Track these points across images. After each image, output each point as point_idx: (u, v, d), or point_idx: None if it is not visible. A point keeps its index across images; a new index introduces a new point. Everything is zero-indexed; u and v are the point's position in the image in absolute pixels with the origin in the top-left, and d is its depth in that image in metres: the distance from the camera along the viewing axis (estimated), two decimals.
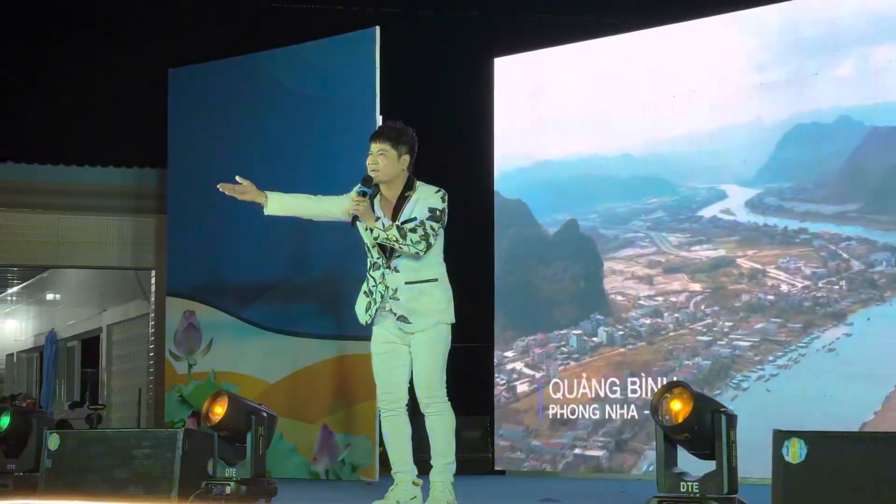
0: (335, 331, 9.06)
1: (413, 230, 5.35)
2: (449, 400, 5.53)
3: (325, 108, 9.37)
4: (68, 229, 12.34)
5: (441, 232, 5.48)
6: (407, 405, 5.62)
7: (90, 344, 18.29)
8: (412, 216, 5.42)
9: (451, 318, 5.59)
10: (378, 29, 9.05)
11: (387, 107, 9.05)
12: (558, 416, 9.31)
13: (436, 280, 5.52)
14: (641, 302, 9.03)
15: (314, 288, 9.26)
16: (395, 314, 5.47)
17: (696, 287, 8.78)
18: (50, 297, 19.36)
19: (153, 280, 12.33)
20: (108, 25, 14.44)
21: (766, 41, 8.66)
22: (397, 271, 5.47)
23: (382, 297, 5.49)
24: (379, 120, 9.01)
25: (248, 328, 9.60)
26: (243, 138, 9.91)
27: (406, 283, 5.46)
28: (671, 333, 8.82)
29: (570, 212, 9.60)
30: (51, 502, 5.95)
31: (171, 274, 10.38)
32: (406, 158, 5.52)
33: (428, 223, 5.38)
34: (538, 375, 9.50)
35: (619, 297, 9.17)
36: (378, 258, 5.51)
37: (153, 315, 12.26)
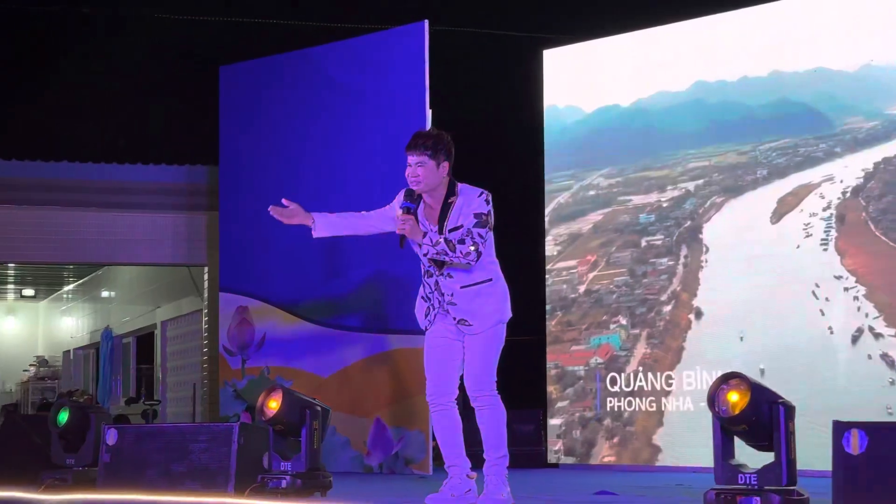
0: (388, 325, 9.08)
1: (462, 241, 5.32)
2: (499, 393, 5.52)
3: (375, 102, 9.39)
4: (122, 227, 12.45)
5: (489, 235, 5.46)
6: (457, 400, 5.61)
7: (145, 340, 18.46)
8: (458, 224, 5.39)
9: (509, 315, 5.57)
10: (427, 22, 9.06)
11: (436, 100, 9.05)
12: (614, 409, 9.27)
13: (490, 280, 5.50)
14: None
15: (367, 283, 9.28)
16: (455, 318, 5.46)
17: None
18: (105, 294, 19.57)
19: (206, 276, 12.42)
20: (160, 23, 14.53)
21: (823, 25, 8.56)
22: (451, 277, 5.46)
23: (440, 302, 5.49)
24: (429, 114, 9.02)
25: (301, 323, 9.64)
26: (293, 133, 9.95)
27: (461, 287, 5.45)
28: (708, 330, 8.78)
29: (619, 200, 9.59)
30: (109, 496, 6.00)
31: (224, 270, 10.44)
32: (445, 165, 5.47)
33: (475, 231, 5.34)
34: (592, 368, 9.46)
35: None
36: (430, 266, 5.51)
37: (206, 311, 12.35)
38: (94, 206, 12.32)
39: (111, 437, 6.29)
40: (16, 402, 20.92)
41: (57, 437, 6.71)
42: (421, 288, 5.62)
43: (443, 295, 5.48)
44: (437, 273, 5.48)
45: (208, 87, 10.74)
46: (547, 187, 9.98)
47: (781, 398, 4.67)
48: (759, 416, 4.60)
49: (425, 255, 5.43)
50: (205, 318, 12.50)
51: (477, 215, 5.38)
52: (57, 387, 20.36)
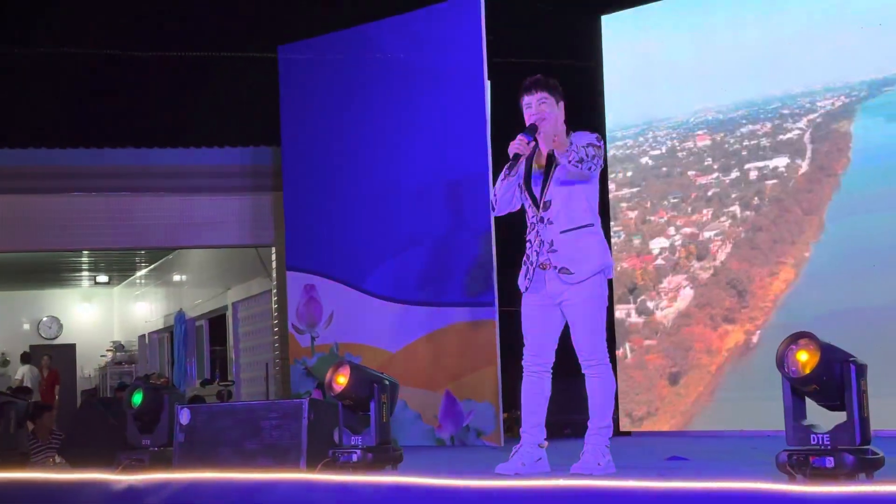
0: (453, 298, 9.10)
1: (587, 156, 5.21)
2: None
3: (433, 76, 9.40)
4: (190, 211, 12.61)
5: (599, 167, 5.36)
6: (552, 367, 5.56)
7: (217, 322, 18.67)
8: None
9: (611, 263, 5.51)
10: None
11: (494, 71, 9.01)
12: (681, 374, 9.22)
13: (592, 225, 5.43)
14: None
15: (431, 257, 9.30)
16: (556, 268, 5.36)
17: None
18: (177, 278, 19.81)
19: (273, 256, 12.54)
20: (218, 6, 14.65)
21: None
22: (551, 223, 5.40)
23: (538, 254, 5.41)
24: (488, 85, 8.99)
25: (367, 299, 9.70)
26: (354, 111, 9.99)
27: (561, 231, 5.38)
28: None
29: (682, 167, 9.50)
30: (185, 475, 6.08)
31: (290, 249, 10.53)
32: (562, 105, 5.49)
33: (592, 148, 5.26)
34: (659, 333, 9.42)
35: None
36: (533, 216, 5.46)
37: (275, 291, 12.46)
38: (162, 190, 12.49)
39: (184, 416, 6.37)
40: (95, 387, 21.30)
41: (132, 419, 6.80)
42: (525, 253, 5.54)
43: (542, 244, 5.41)
44: (538, 221, 5.42)
45: (271, 66, 10.81)
46: (610, 157, 9.92)
47: (853, 356, 4.60)
48: (829, 375, 4.53)
49: (570, 161, 5.21)
50: (274, 298, 12.62)
51: (591, 145, 5.28)
52: (134, 371, 20.68)
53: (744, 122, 9.21)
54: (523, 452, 5.47)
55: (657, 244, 9.61)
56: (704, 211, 9.36)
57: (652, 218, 9.70)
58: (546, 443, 5.52)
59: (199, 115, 15.86)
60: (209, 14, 15.00)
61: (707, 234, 9.29)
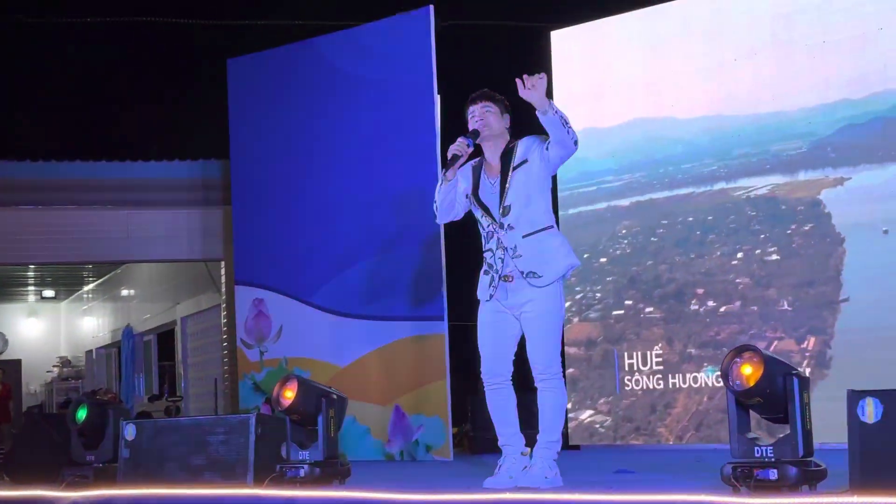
0: (403, 312, 9.09)
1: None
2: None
3: (383, 90, 9.39)
4: (138, 224, 12.50)
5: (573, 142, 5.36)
6: (512, 377, 5.55)
7: (166, 337, 18.53)
8: (524, 159, 5.40)
9: (577, 260, 5.55)
10: (432, 8, 9.03)
11: (444, 85, 9.03)
12: (634, 389, 9.24)
13: (552, 226, 5.47)
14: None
15: (380, 271, 9.28)
16: (522, 273, 5.36)
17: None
18: (125, 293, 19.64)
19: (223, 271, 12.45)
20: (169, 19, 14.55)
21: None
22: (512, 228, 5.40)
23: (502, 261, 5.41)
24: (437, 99, 9.01)
25: (316, 313, 9.65)
26: (304, 124, 9.96)
27: (524, 236, 5.40)
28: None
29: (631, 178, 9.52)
30: (130, 491, 6.02)
31: (239, 263, 10.47)
32: (507, 117, 5.54)
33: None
34: (612, 348, 9.42)
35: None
36: (489, 225, 5.46)
37: (224, 305, 12.38)
38: (110, 204, 12.36)
39: (129, 432, 6.32)
40: (40, 404, 21.03)
41: (77, 435, 6.74)
42: (483, 264, 5.55)
43: (506, 250, 5.41)
44: (497, 229, 5.43)
45: (220, 80, 10.75)
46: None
47: (795, 369, 4.65)
48: (773, 387, 4.56)
49: (554, 112, 5.19)
50: (223, 313, 12.53)
51: (543, 142, 5.37)
52: (81, 387, 20.45)
53: None
54: (508, 464, 5.46)
55: None
56: None
57: None
58: (528, 450, 5.50)
59: (147, 128, 15.78)
60: (159, 26, 14.90)
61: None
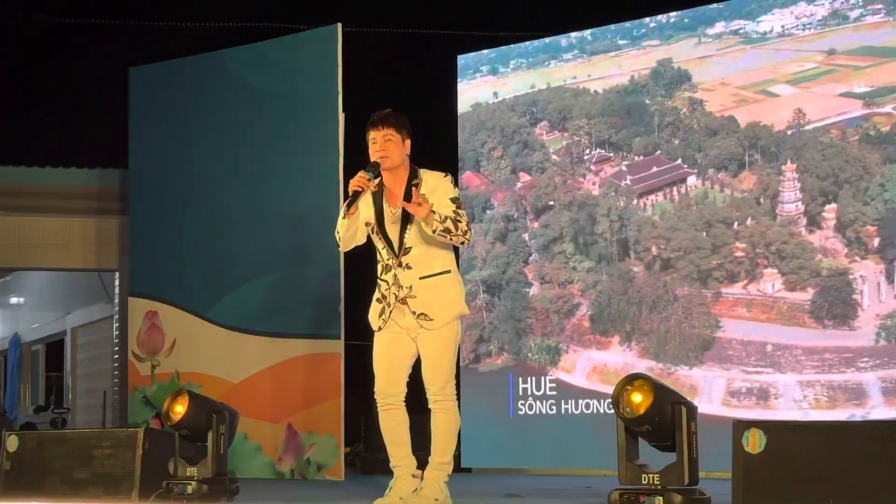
0: (299, 330, 9.05)
1: (456, 221, 5.26)
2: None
3: (288, 105, 9.34)
4: (30, 231, 12.23)
5: (468, 234, 5.39)
6: (406, 398, 5.53)
7: (55, 347, 18.17)
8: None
9: (466, 310, 5.58)
10: (340, 26, 9.03)
11: (349, 105, 9.04)
12: (527, 413, 9.31)
13: (449, 272, 5.44)
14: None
15: (278, 288, 9.22)
16: (415, 313, 5.36)
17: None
18: (14, 300, 19.17)
19: (117, 282, 12.26)
20: (68, 23, 14.33)
21: None
22: (409, 268, 5.39)
23: (396, 297, 5.38)
24: (341, 117, 9.01)
25: (211, 328, 9.55)
26: (206, 137, 9.86)
27: (420, 278, 5.38)
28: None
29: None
30: None
31: (134, 274, 10.32)
32: (408, 143, 5.46)
33: (459, 212, 5.31)
34: (506, 371, 9.49)
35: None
36: (389, 259, 5.42)
37: (117, 317, 12.19)
38: (3, 209, 12.09)
39: (11, 443, 6.19)
40: None
41: None
42: (376, 290, 5.52)
43: (401, 288, 5.38)
44: (395, 266, 5.41)
45: (119, 88, 10.62)
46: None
47: (684, 399, 4.74)
48: (661, 416, 4.64)
49: (434, 231, 5.22)
50: (116, 325, 12.34)
51: (453, 199, 5.34)
52: None
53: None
54: (399, 485, 5.44)
55: None
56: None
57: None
58: (419, 472, 5.49)
59: (43, 133, 15.49)
60: (62, 29, 14.67)
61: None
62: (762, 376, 8.19)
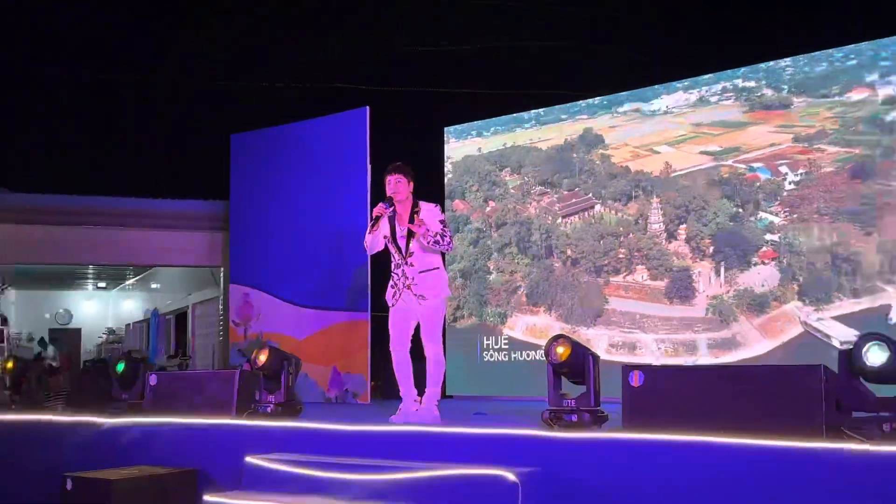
0: (340, 305, 9.03)
1: (443, 236, 5.30)
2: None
3: (333, 159, 9.32)
4: (166, 241, 12.16)
5: (451, 244, 5.41)
6: (410, 348, 5.51)
7: (181, 317, 18.03)
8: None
9: (449, 292, 5.56)
10: (368, 109, 9.01)
11: (372, 160, 9.00)
12: (489, 359, 9.26)
13: (438, 268, 5.44)
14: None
15: (327, 277, 9.20)
16: (414, 294, 5.36)
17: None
18: (154, 286, 19.09)
19: (222, 274, 12.19)
20: (173, 96, 14.18)
21: None
22: (412, 265, 5.37)
23: (404, 284, 5.37)
24: (368, 169, 8.99)
25: (283, 304, 9.53)
26: (280, 179, 9.84)
27: (419, 272, 5.37)
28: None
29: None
30: (150, 418, 5.86)
31: (233, 269, 10.28)
32: (412, 185, 5.47)
33: (445, 231, 5.34)
34: (474, 329, 9.40)
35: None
36: (398, 259, 5.41)
37: (222, 297, 12.13)
38: (149, 227, 12.03)
39: (152, 380, 6.16)
40: (94, 358, 20.29)
41: (116, 381, 6.55)
42: (390, 279, 5.49)
43: (406, 278, 5.36)
44: (403, 264, 5.38)
45: (224, 146, 10.57)
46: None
47: (591, 350, 4.72)
48: (576, 362, 4.64)
49: (427, 243, 5.25)
50: (220, 302, 12.27)
51: (441, 221, 5.36)
52: (121, 348, 19.78)
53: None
54: (406, 406, 5.43)
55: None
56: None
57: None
58: (419, 397, 5.47)
59: (177, 174, 15.33)
60: (169, 104, 14.38)
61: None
62: (632, 335, 8.18)
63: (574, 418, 4.50)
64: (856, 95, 7.27)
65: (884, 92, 7.14)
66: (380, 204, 5.39)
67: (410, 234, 5.39)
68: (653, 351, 8.01)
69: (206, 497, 4.71)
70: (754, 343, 7.56)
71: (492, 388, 9.18)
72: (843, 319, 7.13)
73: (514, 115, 9.55)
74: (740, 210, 7.74)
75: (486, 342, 9.30)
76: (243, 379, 5.83)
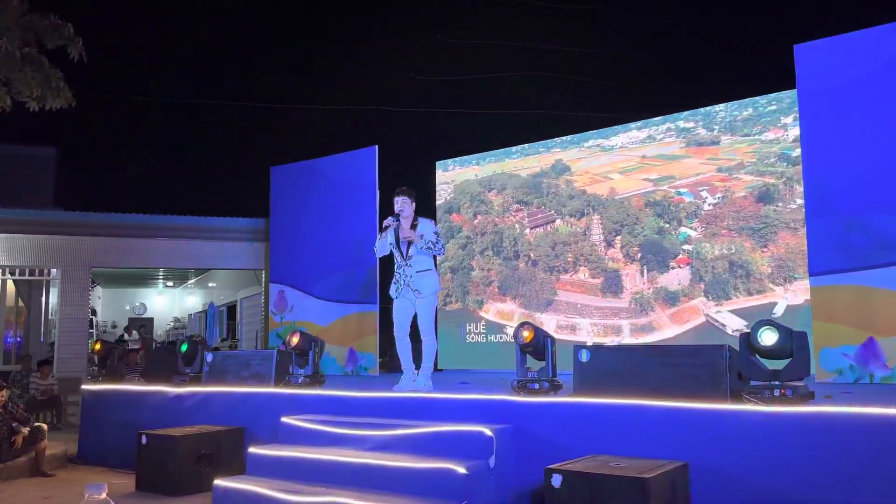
0: (354, 298, 8.97)
1: (436, 243, 5.26)
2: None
3: (350, 187, 9.26)
4: (221, 249, 12.08)
5: (443, 250, 5.39)
6: (409, 334, 5.48)
7: (231, 309, 17.91)
8: (420, 234, 5.34)
9: (440, 288, 5.51)
10: (377, 147, 8.98)
11: (381, 187, 8.96)
12: (471, 340, 9.20)
13: (431, 269, 5.40)
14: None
15: (343, 277, 9.14)
16: (412, 289, 5.31)
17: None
18: (211, 285, 18.96)
19: (263, 275, 12.13)
20: (222, 128, 14.10)
21: None
22: (410, 266, 5.35)
23: (405, 282, 5.33)
24: (377, 193, 8.95)
25: (311, 298, 9.45)
26: (307, 202, 9.79)
27: (416, 272, 5.34)
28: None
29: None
30: (208, 388, 5.81)
31: (272, 271, 10.21)
32: (414, 205, 5.45)
33: (439, 240, 5.31)
34: (459, 313, 9.28)
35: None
36: (400, 261, 5.39)
37: (263, 293, 12.07)
38: (207, 238, 11.95)
39: (209, 358, 6.11)
40: (163, 341, 20.13)
41: (181, 358, 6.49)
42: (394, 277, 5.46)
43: (406, 276, 5.33)
44: (404, 265, 5.36)
45: (266, 175, 10.51)
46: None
47: (549, 334, 4.71)
48: (538, 343, 4.63)
49: (421, 248, 5.21)
50: (262, 297, 12.21)
51: (435, 232, 5.33)
52: (184, 333, 19.61)
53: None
54: (406, 379, 5.40)
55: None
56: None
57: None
58: (416, 371, 5.43)
59: (227, 197, 15.29)
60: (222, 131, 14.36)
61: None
62: (573, 320, 8.14)
63: (536, 387, 4.50)
64: (772, 135, 7.27)
65: (793, 132, 7.14)
66: (388, 218, 5.40)
67: (410, 242, 5.40)
68: (588, 332, 8.00)
69: (251, 449, 4.70)
70: (665, 328, 7.55)
71: (474, 363, 9.13)
72: (738, 312, 7.14)
73: (504, 149, 9.50)
74: (667, 225, 7.74)
75: (468, 327, 9.26)
76: (279, 357, 5.80)
